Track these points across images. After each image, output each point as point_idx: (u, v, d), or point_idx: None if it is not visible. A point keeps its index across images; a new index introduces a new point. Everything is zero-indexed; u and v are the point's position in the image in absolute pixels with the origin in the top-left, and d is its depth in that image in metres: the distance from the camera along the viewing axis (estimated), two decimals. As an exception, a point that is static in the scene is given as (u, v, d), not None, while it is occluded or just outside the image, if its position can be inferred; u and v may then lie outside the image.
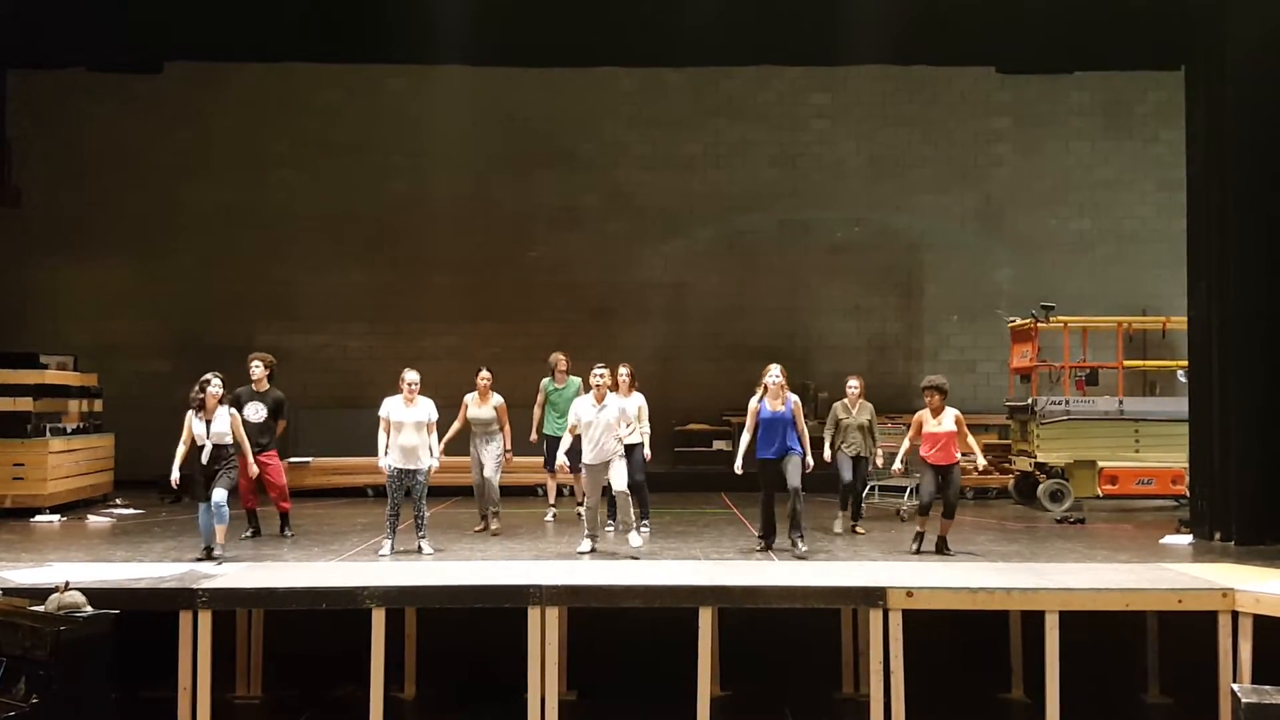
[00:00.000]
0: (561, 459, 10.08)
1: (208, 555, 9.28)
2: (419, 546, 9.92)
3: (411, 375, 10.08)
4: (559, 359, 12.16)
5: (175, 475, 9.55)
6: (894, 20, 11.57)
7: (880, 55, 15.22)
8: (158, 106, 17.56)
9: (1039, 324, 14.49)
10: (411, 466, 9.87)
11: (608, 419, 9.75)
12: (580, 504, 12.53)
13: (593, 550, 9.85)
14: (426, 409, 10.02)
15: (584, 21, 12.20)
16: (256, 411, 10.76)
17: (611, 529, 11.03)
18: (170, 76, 16.10)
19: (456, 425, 11.15)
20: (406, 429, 9.83)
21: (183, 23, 12.16)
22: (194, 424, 9.36)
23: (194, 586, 7.97)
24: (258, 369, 10.91)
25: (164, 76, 16.22)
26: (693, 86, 18.08)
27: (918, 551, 10.00)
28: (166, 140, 17.71)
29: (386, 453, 9.86)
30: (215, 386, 9.41)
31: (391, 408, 9.92)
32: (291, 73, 16.94)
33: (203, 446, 9.33)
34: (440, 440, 10.29)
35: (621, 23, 12.24)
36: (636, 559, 9.39)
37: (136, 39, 12.96)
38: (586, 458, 9.83)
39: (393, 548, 9.86)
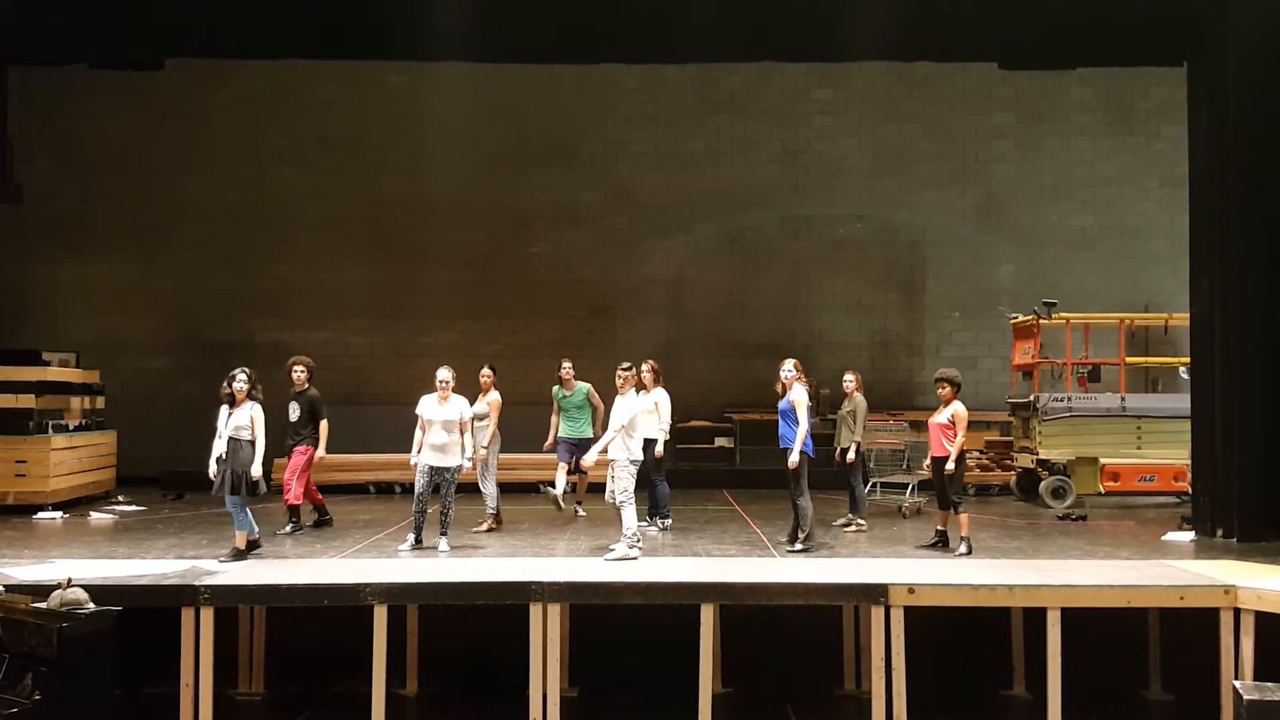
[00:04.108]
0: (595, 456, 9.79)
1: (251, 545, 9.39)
2: (437, 543, 9.88)
3: (444, 373, 10.11)
4: (565, 366, 12.14)
5: (257, 470, 9.18)
6: (896, 16, 11.52)
7: (882, 51, 15.13)
8: (158, 103, 17.57)
9: (1041, 320, 14.49)
10: (442, 464, 9.92)
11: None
12: (579, 501, 12.53)
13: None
14: (459, 407, 10.07)
15: (585, 18, 12.16)
16: (293, 411, 11.17)
17: (650, 526, 11.08)
18: (171, 74, 16.08)
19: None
20: (437, 427, 9.91)
21: (183, 20, 12.13)
22: (220, 416, 9.20)
23: (196, 583, 7.98)
24: (301, 373, 11.27)
25: (164, 74, 16.19)
26: (694, 83, 18.06)
27: (933, 546, 10.06)
28: (167, 137, 17.72)
29: (419, 450, 9.94)
30: (240, 383, 9.29)
31: (425, 406, 10.02)
32: (292, 69, 16.92)
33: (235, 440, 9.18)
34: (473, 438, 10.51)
35: (623, 19, 12.19)
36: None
37: (137, 36, 12.91)
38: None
39: (415, 544, 9.91)
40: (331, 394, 14.16)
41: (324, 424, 11.20)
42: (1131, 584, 8.18)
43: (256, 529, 9.51)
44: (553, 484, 11.68)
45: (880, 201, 18.12)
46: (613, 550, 9.23)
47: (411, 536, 10.01)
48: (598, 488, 11.65)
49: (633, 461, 9.42)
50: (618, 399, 9.63)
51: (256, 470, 9.15)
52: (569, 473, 11.87)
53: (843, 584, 8.28)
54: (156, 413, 16.45)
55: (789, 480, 9.84)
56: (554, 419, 12.07)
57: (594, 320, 17.70)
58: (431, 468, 9.93)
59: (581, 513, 12.34)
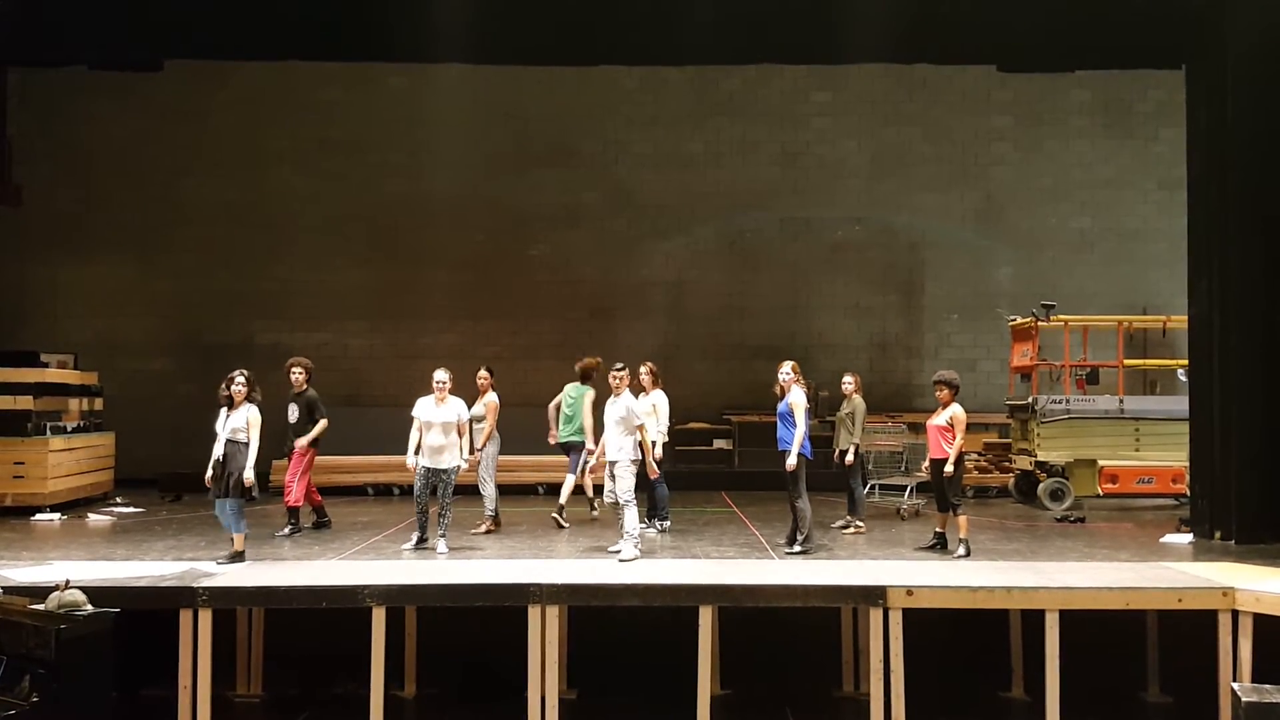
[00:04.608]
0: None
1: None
2: (435, 544, 9.91)
3: (440, 375, 10.12)
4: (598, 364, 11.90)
5: (249, 474, 9.06)
6: (895, 18, 11.54)
7: (882, 54, 15.15)
8: (158, 105, 17.56)
9: (1040, 323, 14.49)
10: (439, 466, 9.93)
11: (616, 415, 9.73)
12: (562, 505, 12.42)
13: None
14: (456, 409, 10.10)
15: (585, 20, 12.18)
16: (292, 412, 11.20)
17: (649, 528, 11.09)
18: (170, 75, 16.09)
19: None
20: (435, 429, 9.92)
21: (183, 21, 12.14)
22: (219, 419, 9.19)
23: (194, 585, 7.97)
24: (299, 374, 11.29)
25: (164, 75, 16.21)
26: (694, 85, 18.07)
27: (931, 548, 10.08)
28: (166, 138, 17.72)
29: (417, 451, 9.95)
30: (238, 384, 9.23)
31: (421, 408, 10.02)
32: (291, 71, 16.92)
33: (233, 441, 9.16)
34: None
35: (622, 21, 12.21)
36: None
37: (136, 37, 12.93)
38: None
39: (420, 542, 9.98)
40: (331, 396, 14.30)
41: (322, 422, 11.20)
42: (1130, 586, 8.19)
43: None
44: (594, 506, 12.00)
45: (879, 204, 18.12)
46: (619, 551, 9.33)
47: (416, 535, 10.08)
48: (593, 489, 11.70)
49: (633, 462, 9.49)
50: (611, 400, 9.68)
51: (249, 474, 9.08)
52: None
53: (841, 586, 8.28)
54: (155, 414, 16.45)
55: (787, 482, 9.85)
56: (589, 420, 11.58)
57: (593, 322, 17.70)
58: (428, 469, 9.95)
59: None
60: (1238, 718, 6.41)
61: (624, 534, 9.40)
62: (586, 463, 11.59)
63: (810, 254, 18.16)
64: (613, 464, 9.61)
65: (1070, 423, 14.09)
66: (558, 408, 11.98)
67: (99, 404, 15.03)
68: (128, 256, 17.79)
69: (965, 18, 11.91)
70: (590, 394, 11.72)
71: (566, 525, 11.62)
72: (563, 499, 11.82)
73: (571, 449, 11.81)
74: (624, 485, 9.48)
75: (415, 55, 14.51)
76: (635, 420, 9.56)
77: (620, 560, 9.18)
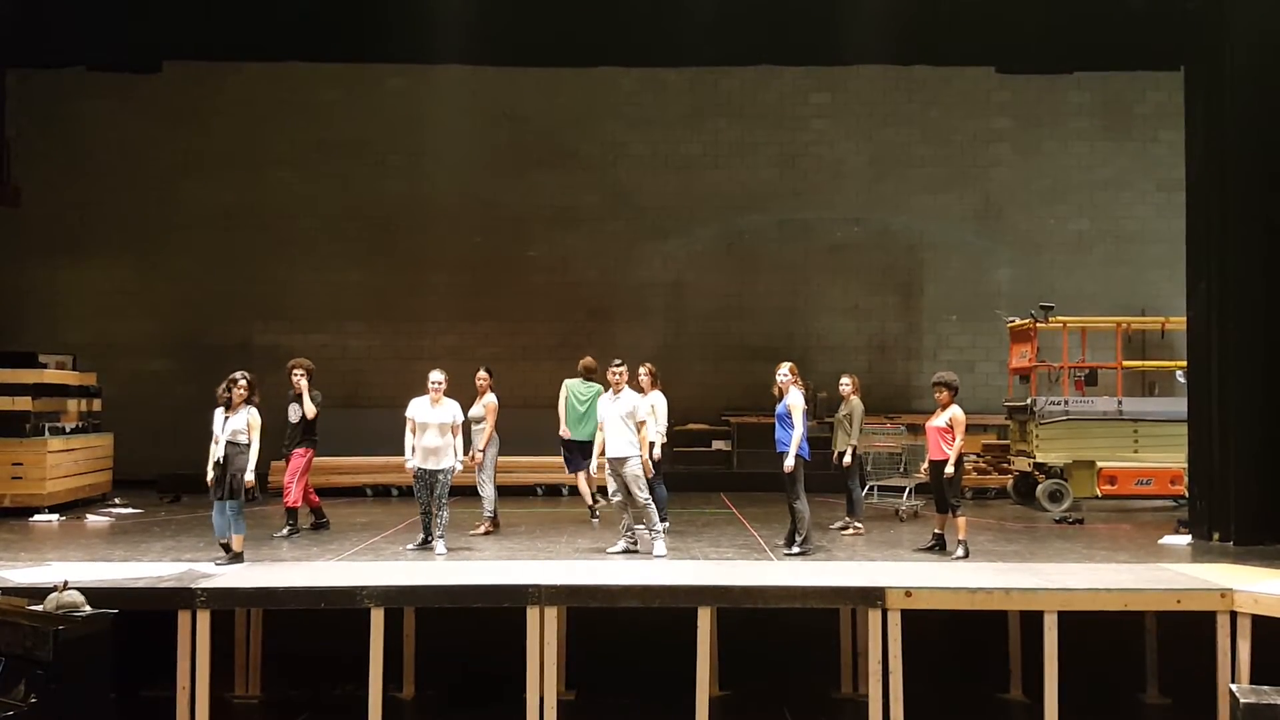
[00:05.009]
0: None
1: (225, 550, 9.23)
2: (433, 545, 9.96)
3: (436, 375, 10.14)
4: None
5: (250, 477, 9.13)
6: (894, 20, 11.61)
7: (880, 55, 15.23)
8: (156, 106, 17.56)
9: (1038, 324, 14.49)
10: (434, 467, 9.96)
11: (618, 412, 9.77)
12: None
13: (625, 551, 9.88)
14: (450, 410, 10.11)
15: (584, 21, 12.23)
16: (293, 413, 11.19)
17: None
18: (169, 76, 16.11)
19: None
20: (430, 430, 9.94)
21: (181, 22, 12.19)
22: (215, 420, 9.17)
23: (192, 586, 7.96)
24: (300, 375, 11.22)
25: (162, 76, 16.22)
26: (692, 86, 18.07)
27: (930, 549, 10.08)
28: (165, 139, 17.70)
29: (413, 453, 9.99)
30: (240, 387, 9.20)
31: (416, 409, 10.06)
32: (290, 72, 16.93)
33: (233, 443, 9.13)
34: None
35: (621, 22, 12.27)
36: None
37: (135, 39, 12.99)
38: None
39: (425, 541, 10.07)
40: (330, 397, 14.34)
41: (311, 408, 11.09)
42: (1128, 587, 8.18)
43: (227, 535, 9.38)
44: (595, 513, 11.97)
45: (878, 205, 18.12)
46: (653, 546, 9.56)
47: (421, 536, 10.17)
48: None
49: (639, 457, 9.63)
50: (610, 397, 9.72)
51: (250, 476, 9.10)
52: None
53: (840, 587, 8.28)
54: (154, 415, 16.44)
55: (785, 483, 9.85)
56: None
57: (592, 323, 17.68)
58: (424, 470, 9.99)
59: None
60: (1236, 719, 6.41)
61: (651, 531, 9.60)
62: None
63: (809, 255, 18.16)
64: (618, 460, 9.63)
65: (1069, 424, 14.09)
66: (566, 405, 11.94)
67: (97, 405, 15.03)
68: (126, 257, 17.78)
69: (964, 19, 11.94)
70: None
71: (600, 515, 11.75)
72: (593, 488, 11.80)
73: (589, 448, 11.48)
74: (639, 483, 9.58)
75: (414, 56, 14.57)
76: (639, 416, 9.63)
77: (655, 556, 9.41)
